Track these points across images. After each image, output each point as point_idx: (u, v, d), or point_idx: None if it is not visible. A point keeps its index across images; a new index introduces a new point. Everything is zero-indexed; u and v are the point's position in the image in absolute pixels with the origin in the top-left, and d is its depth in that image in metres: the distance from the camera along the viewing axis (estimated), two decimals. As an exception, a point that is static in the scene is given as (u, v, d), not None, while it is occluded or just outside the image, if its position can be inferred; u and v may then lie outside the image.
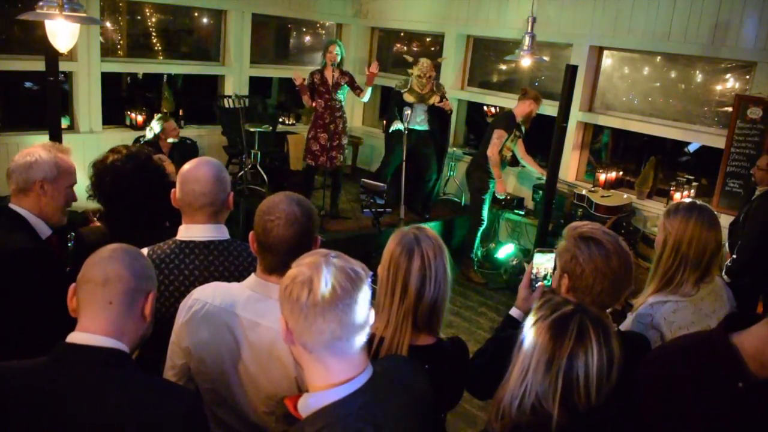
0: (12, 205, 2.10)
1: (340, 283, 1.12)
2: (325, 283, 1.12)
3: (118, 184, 2.22)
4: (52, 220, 2.14)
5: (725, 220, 3.87)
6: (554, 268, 1.87)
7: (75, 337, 1.28)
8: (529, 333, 1.37)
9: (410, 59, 5.97)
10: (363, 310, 1.16)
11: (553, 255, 1.83)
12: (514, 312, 1.95)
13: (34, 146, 2.14)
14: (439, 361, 1.65)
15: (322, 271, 1.13)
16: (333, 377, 1.15)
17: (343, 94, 5.67)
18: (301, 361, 1.19)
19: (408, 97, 5.83)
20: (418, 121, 5.88)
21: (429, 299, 1.65)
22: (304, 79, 5.45)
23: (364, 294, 1.16)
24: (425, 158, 5.97)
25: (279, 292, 1.17)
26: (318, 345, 1.13)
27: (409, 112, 5.45)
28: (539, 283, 1.91)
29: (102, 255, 1.34)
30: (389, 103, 6.10)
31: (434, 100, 5.88)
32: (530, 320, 1.40)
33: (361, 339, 1.17)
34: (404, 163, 5.35)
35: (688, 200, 2.19)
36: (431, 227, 1.81)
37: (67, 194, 2.16)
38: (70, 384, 1.23)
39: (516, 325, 1.85)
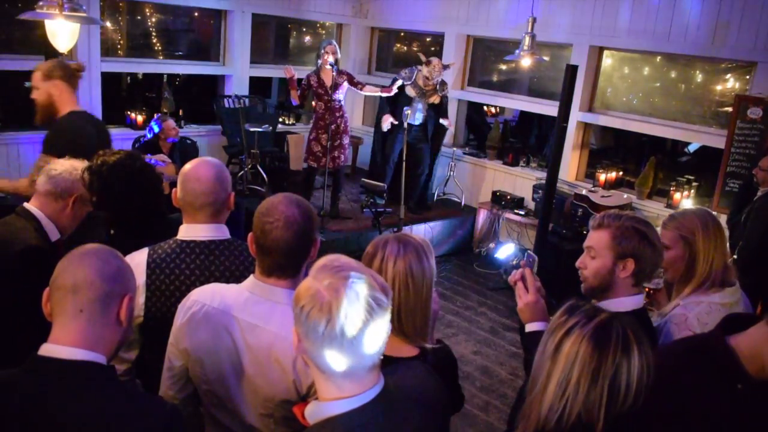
0: (28, 206, 2.20)
1: (360, 316, 1.07)
2: (345, 315, 1.07)
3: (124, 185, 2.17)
4: (64, 231, 2.27)
5: (725, 220, 3.88)
6: (516, 255, 1.84)
7: (46, 349, 1.23)
8: (565, 342, 1.30)
9: (423, 58, 5.88)
10: (381, 339, 1.12)
11: (511, 244, 1.81)
12: (538, 326, 1.77)
13: (78, 161, 2.28)
14: None
15: (342, 300, 1.07)
16: (342, 394, 1.13)
17: (343, 94, 5.67)
18: (312, 372, 1.17)
19: (410, 90, 5.85)
20: (416, 116, 5.88)
21: (406, 307, 1.51)
22: (294, 75, 5.46)
23: (384, 323, 1.12)
24: (418, 152, 5.97)
25: (293, 304, 1.13)
26: (330, 369, 1.11)
27: (408, 112, 5.45)
28: (518, 270, 1.81)
29: (72, 259, 1.27)
30: (384, 97, 6.01)
31: (434, 99, 5.89)
32: (560, 328, 1.33)
33: (375, 361, 1.14)
34: (404, 162, 5.33)
35: (689, 208, 2.21)
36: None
37: (84, 212, 2.31)
38: (41, 399, 1.18)
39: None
